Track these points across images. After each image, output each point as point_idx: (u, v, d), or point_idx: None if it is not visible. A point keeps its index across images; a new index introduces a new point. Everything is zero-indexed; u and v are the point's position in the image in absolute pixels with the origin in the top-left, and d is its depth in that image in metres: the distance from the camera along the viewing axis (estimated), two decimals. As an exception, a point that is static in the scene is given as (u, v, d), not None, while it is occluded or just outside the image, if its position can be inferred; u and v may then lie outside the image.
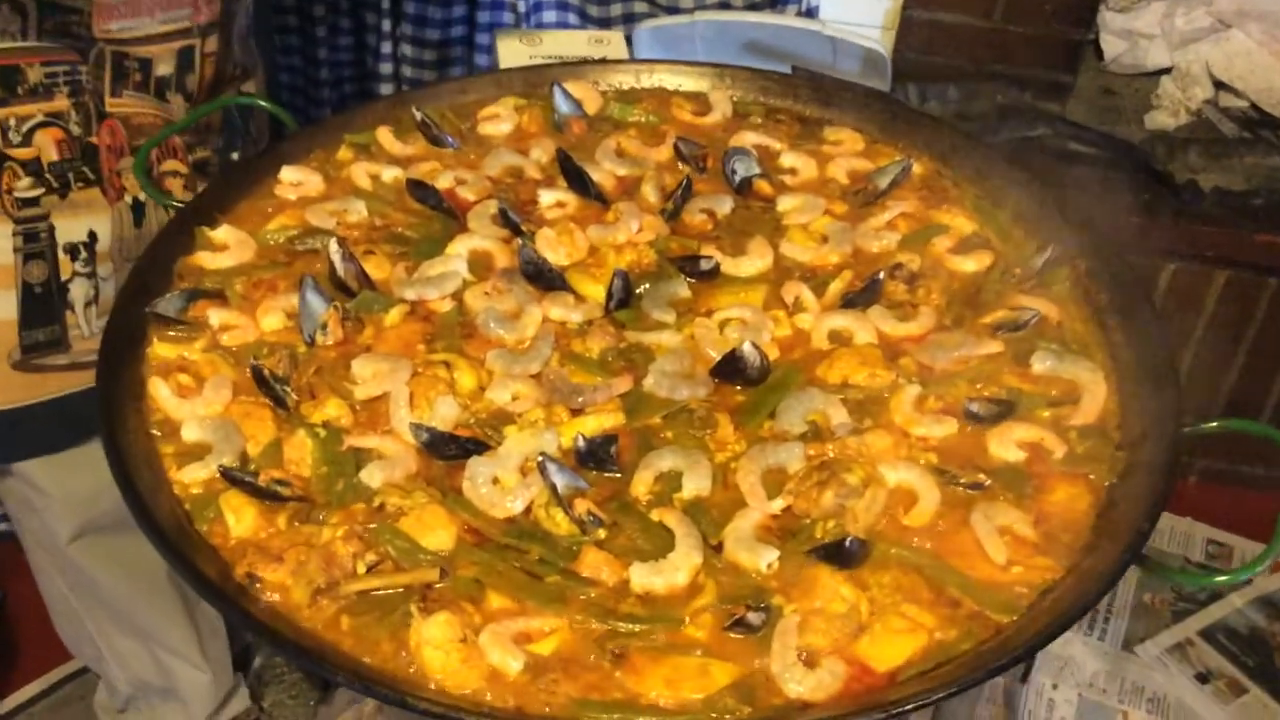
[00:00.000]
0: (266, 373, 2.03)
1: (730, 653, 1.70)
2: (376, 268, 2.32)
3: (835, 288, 2.30)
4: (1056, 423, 2.05)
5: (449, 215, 2.46)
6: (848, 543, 1.77)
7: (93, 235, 2.67)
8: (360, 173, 2.57)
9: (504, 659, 1.67)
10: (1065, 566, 1.82)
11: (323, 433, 1.97)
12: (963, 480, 1.93)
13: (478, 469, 1.91)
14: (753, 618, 1.70)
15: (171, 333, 2.16)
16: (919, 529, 1.87)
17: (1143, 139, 4.53)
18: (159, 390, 2.04)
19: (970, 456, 1.99)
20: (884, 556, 1.82)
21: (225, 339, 2.17)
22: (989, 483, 1.93)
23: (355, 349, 2.16)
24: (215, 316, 2.19)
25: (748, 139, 2.70)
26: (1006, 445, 1.99)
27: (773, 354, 2.15)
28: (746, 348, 2.05)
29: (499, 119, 2.75)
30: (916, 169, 2.61)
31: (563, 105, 2.76)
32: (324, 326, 2.15)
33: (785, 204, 2.52)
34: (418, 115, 2.67)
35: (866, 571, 1.80)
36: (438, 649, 1.66)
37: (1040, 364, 2.14)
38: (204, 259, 2.32)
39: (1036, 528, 1.87)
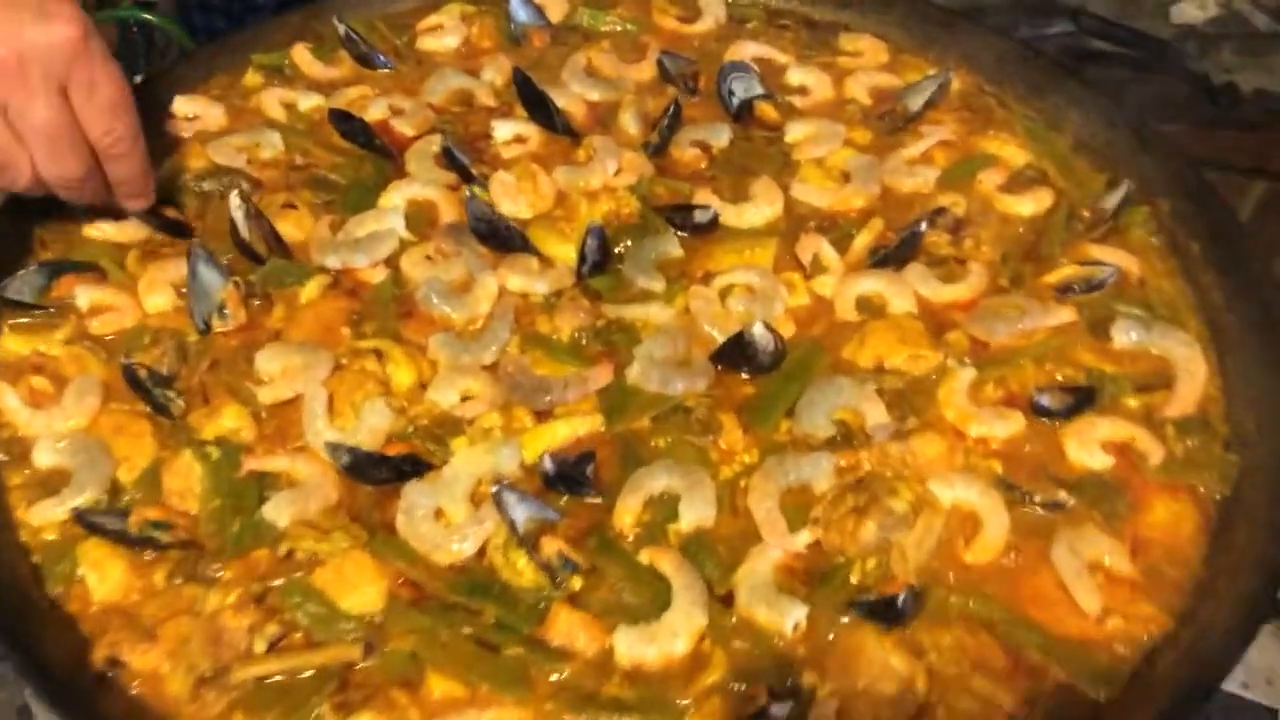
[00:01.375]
0: (143, 373, 1.59)
1: (748, 753, 1.30)
2: (296, 226, 1.85)
3: (862, 241, 1.85)
4: (1148, 415, 1.63)
5: (383, 154, 1.99)
6: (900, 600, 1.36)
7: None
8: (272, 101, 2.09)
9: (449, 775, 1.26)
10: (1175, 614, 1.42)
11: (215, 453, 1.52)
12: (1037, 499, 1.51)
13: (416, 499, 1.48)
14: (776, 710, 1.29)
15: (25, 320, 1.70)
16: (985, 567, 1.46)
17: (1171, 35, 4.08)
18: (6, 399, 1.59)
19: (1043, 463, 1.57)
20: (942, 607, 1.41)
21: (96, 326, 1.70)
22: (1071, 502, 1.51)
23: (263, 335, 1.70)
24: (85, 296, 1.73)
25: (747, 51, 2.22)
26: (1089, 447, 1.57)
27: (787, 330, 1.71)
28: (757, 330, 1.61)
29: (442, 31, 2.26)
30: (955, 84, 2.14)
31: (520, 13, 2.26)
32: (221, 309, 1.69)
33: (795, 132, 2.06)
34: (341, 28, 2.18)
35: (922, 630, 1.39)
36: (360, 766, 1.25)
37: (1123, 336, 1.71)
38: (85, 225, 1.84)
39: (1135, 560, 1.46)
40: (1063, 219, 1.90)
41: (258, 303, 1.73)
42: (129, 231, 1.80)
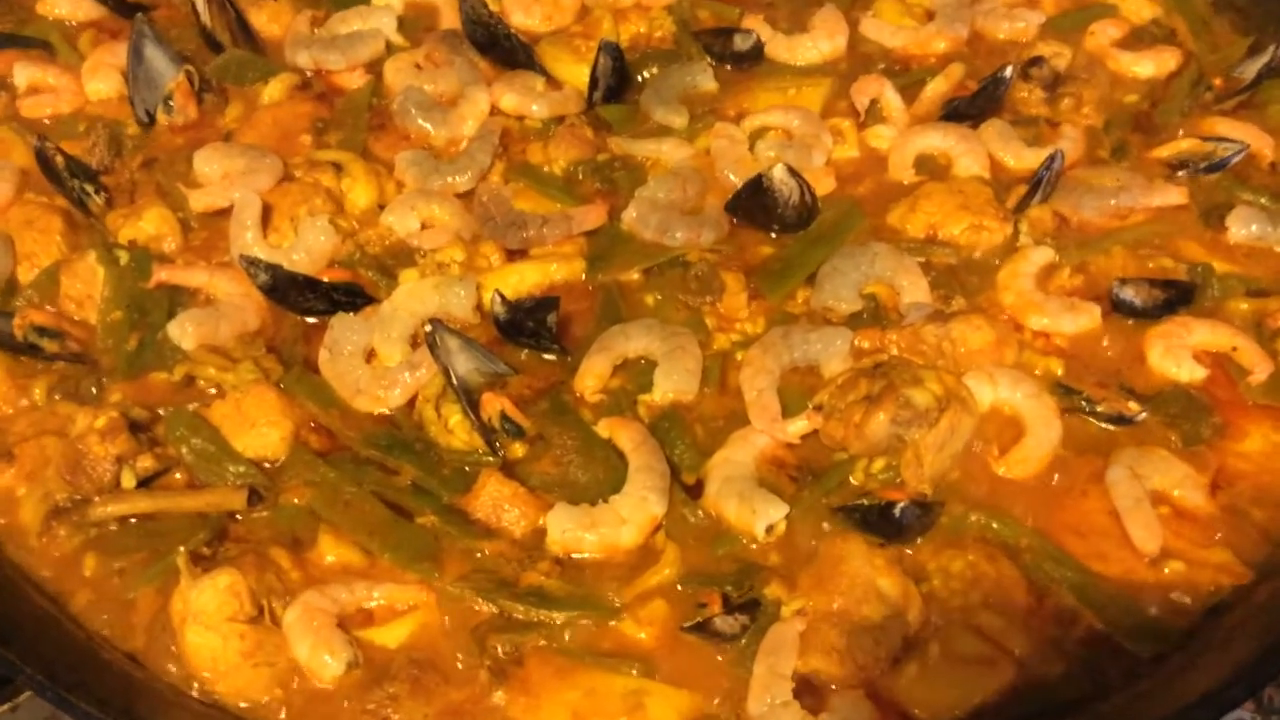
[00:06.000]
0: (59, 160, 1.37)
1: (686, 671, 1.05)
2: (272, 18, 1.62)
3: (936, 89, 1.54)
4: (1259, 321, 1.31)
5: (389, -54, 1.73)
6: (899, 509, 1.08)
7: None
8: None
9: (316, 653, 1.04)
10: (1255, 566, 1.12)
11: (124, 257, 1.32)
12: (1100, 408, 1.22)
13: (344, 333, 1.25)
14: (721, 624, 1.04)
15: (-48, 95, 1.51)
16: (1021, 483, 1.17)
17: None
18: (-89, 179, 1.40)
19: (1117, 369, 1.27)
20: (958, 526, 1.14)
21: (28, 106, 1.51)
22: (1142, 415, 1.21)
23: (212, 135, 1.48)
24: (23, 74, 1.53)
25: None
26: (1177, 355, 1.27)
27: (825, 186, 1.43)
28: (777, 173, 1.32)
29: None
30: (1077, -83, 1.79)
31: None
32: (168, 100, 1.47)
33: (878, -44, 1.74)
34: None
35: (927, 551, 1.11)
36: (209, 630, 1.04)
37: (1241, 228, 1.40)
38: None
39: (1214, 496, 1.16)
40: (1187, 85, 1.57)
41: (213, 98, 1.50)
42: (85, 8, 1.60)
